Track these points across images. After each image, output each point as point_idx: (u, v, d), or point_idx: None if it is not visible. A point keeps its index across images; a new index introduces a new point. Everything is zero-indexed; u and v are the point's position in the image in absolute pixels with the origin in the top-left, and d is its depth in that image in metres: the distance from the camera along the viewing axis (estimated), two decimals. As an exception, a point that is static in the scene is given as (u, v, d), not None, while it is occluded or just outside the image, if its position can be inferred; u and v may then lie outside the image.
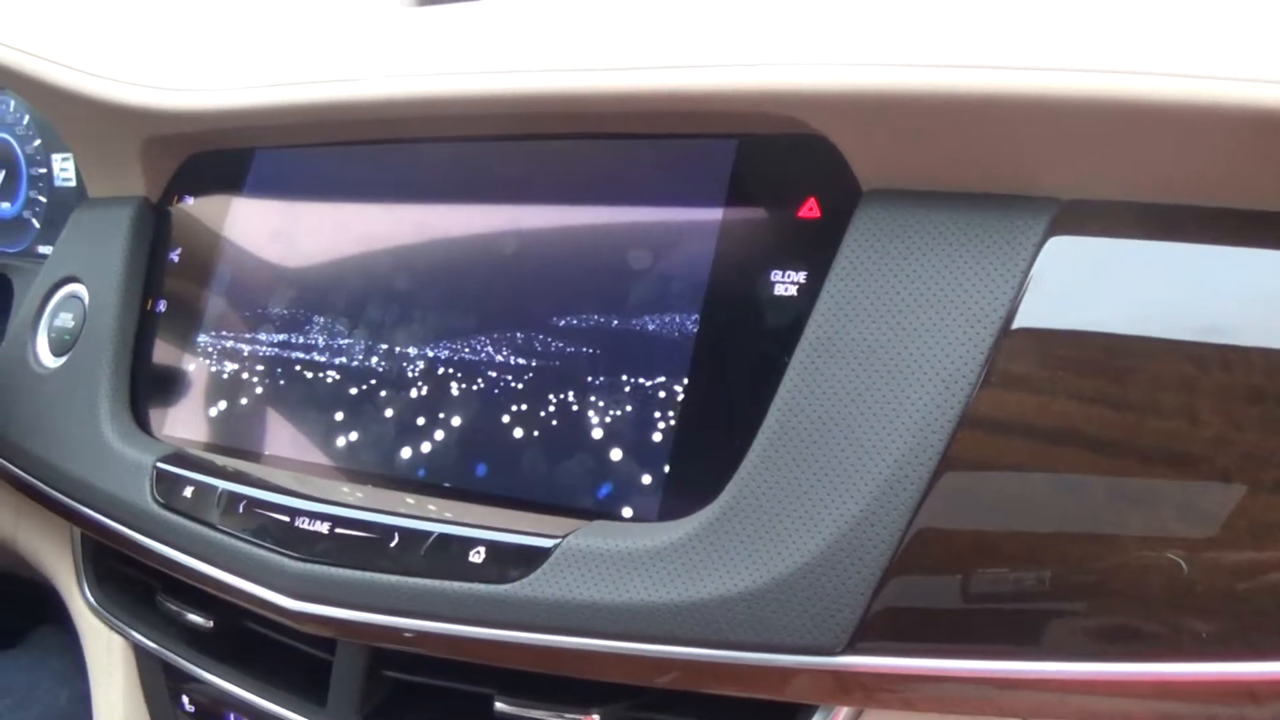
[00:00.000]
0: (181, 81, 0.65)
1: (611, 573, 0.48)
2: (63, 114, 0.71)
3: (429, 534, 0.52)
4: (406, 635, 0.52)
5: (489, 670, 0.54)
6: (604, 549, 0.49)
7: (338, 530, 0.54)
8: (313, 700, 0.58)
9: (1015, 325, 0.44)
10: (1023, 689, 0.44)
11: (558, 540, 0.49)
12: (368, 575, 0.53)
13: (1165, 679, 0.43)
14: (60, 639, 0.85)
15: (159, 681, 0.69)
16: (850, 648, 0.45)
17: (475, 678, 0.55)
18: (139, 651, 0.70)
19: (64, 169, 0.84)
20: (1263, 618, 0.42)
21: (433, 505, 0.54)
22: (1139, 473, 0.43)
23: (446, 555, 0.51)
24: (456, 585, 0.51)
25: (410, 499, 0.55)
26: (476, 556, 0.51)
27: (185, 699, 0.67)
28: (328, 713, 0.57)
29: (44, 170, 0.84)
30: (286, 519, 0.56)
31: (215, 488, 0.59)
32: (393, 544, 0.53)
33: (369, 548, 0.53)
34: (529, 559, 0.49)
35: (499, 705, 0.53)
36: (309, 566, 0.54)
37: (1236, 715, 0.43)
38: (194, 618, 0.63)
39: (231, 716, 0.64)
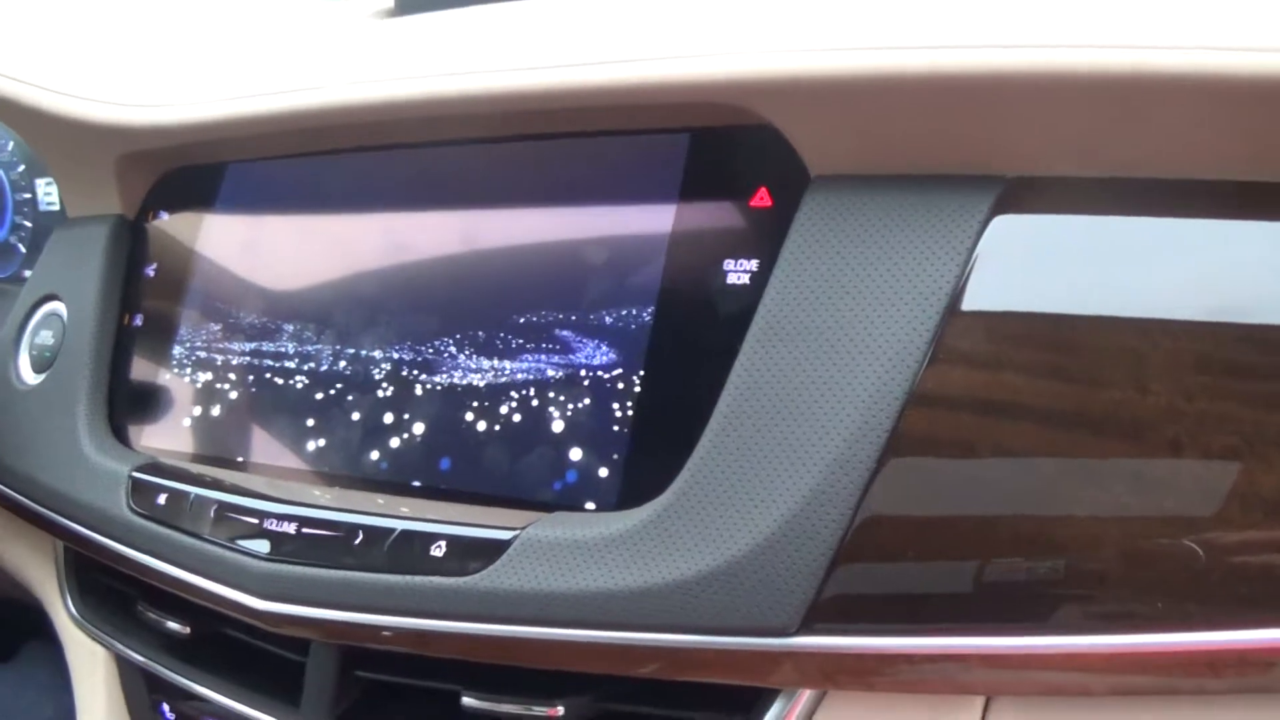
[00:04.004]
0: (153, 97, 0.66)
1: (568, 562, 0.48)
2: (37, 134, 0.72)
3: (392, 530, 0.52)
4: (372, 631, 0.53)
5: (460, 668, 0.54)
6: (561, 539, 0.49)
7: (304, 530, 0.55)
8: (288, 703, 0.59)
9: (961, 303, 0.44)
10: (980, 665, 0.44)
11: (516, 532, 0.49)
12: (334, 573, 0.53)
13: (1122, 651, 0.43)
14: (47, 654, 0.85)
15: (141, 691, 0.69)
16: (805, 628, 0.45)
17: (445, 675, 0.55)
18: (121, 662, 0.71)
19: (48, 194, 0.85)
20: (1219, 588, 0.41)
21: (397, 503, 0.55)
22: (1089, 445, 0.43)
23: (409, 550, 0.52)
24: (419, 580, 0.51)
25: (378, 498, 0.56)
26: (438, 550, 0.51)
27: (165, 707, 0.67)
28: (302, 714, 0.58)
29: (29, 195, 0.86)
30: (255, 521, 0.56)
31: (188, 494, 0.60)
32: (357, 541, 0.53)
33: (334, 546, 0.54)
34: (488, 551, 0.50)
35: (466, 700, 0.53)
36: (277, 567, 0.55)
37: (1196, 686, 0.43)
38: (172, 625, 0.63)
39: (210, 722, 0.64)
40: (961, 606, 0.44)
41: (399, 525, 0.53)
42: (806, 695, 0.49)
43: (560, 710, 0.52)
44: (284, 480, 0.60)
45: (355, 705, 0.58)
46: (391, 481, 0.56)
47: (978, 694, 0.47)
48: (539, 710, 0.52)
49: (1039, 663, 0.44)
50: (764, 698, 0.50)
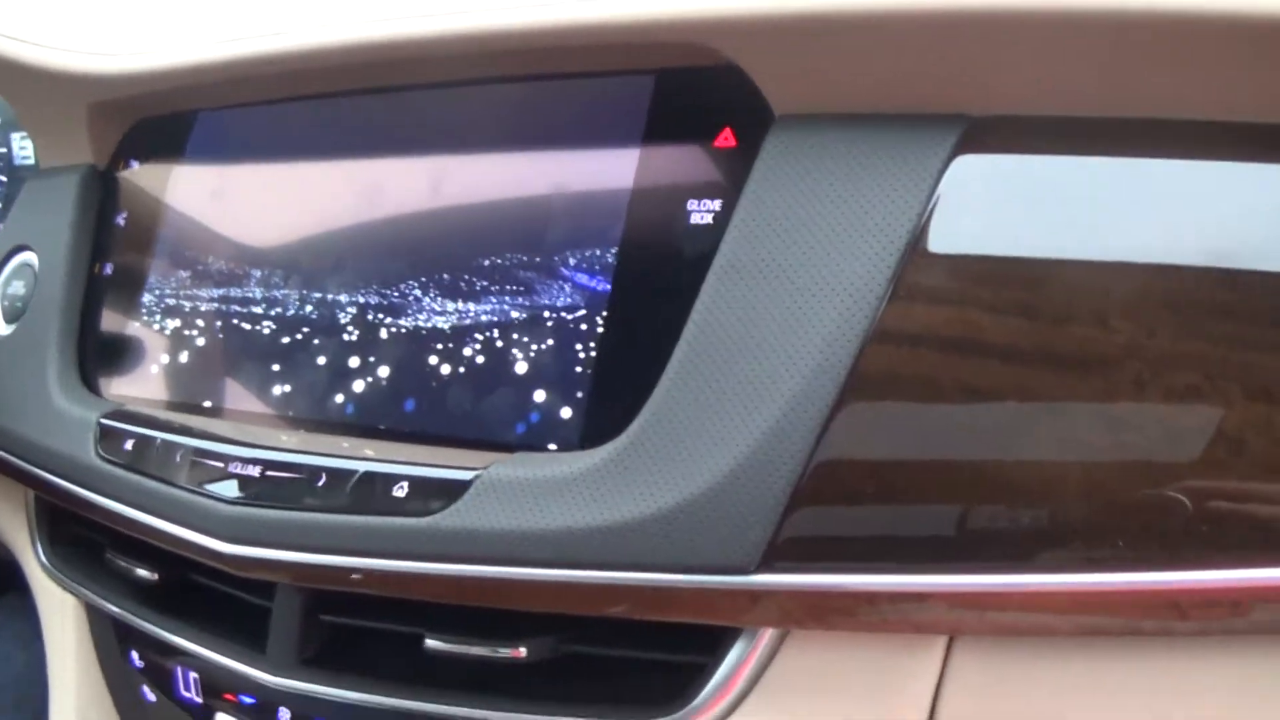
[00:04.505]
0: (123, 46, 0.66)
1: (529, 501, 0.48)
2: (8, 85, 0.72)
3: (355, 472, 0.52)
4: (336, 573, 0.53)
5: (425, 611, 0.54)
6: (522, 478, 0.49)
7: (269, 473, 0.55)
8: (255, 648, 0.59)
9: (923, 241, 0.44)
10: (941, 605, 0.44)
11: (477, 472, 0.49)
12: (298, 515, 0.53)
13: (1085, 590, 0.42)
14: (22, 606, 0.85)
15: (110, 640, 0.69)
16: (764, 567, 0.45)
17: (411, 619, 0.55)
18: (91, 610, 0.71)
19: (23, 147, 0.85)
20: (1183, 528, 0.41)
21: (362, 445, 0.55)
22: (1051, 383, 0.43)
23: (371, 491, 0.52)
24: (381, 520, 0.51)
25: (343, 441, 0.56)
26: (400, 491, 0.51)
27: (134, 654, 0.67)
28: (268, 659, 0.58)
29: (3, 150, 0.85)
30: (220, 465, 0.56)
31: (154, 439, 0.60)
32: (320, 483, 0.53)
33: (298, 488, 0.54)
34: (450, 492, 0.50)
35: (429, 642, 0.53)
36: (242, 510, 0.55)
37: (1162, 629, 0.43)
38: (140, 572, 0.63)
39: (179, 669, 0.64)
40: (922, 545, 0.44)
41: (362, 467, 0.52)
42: (768, 635, 0.49)
43: (523, 652, 0.52)
44: (251, 425, 0.60)
45: (321, 650, 0.58)
46: (357, 424, 0.56)
47: (939, 634, 0.47)
48: (502, 652, 0.52)
49: (1000, 602, 0.44)
50: (726, 638, 0.50)
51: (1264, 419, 0.41)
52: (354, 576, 0.52)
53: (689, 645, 0.50)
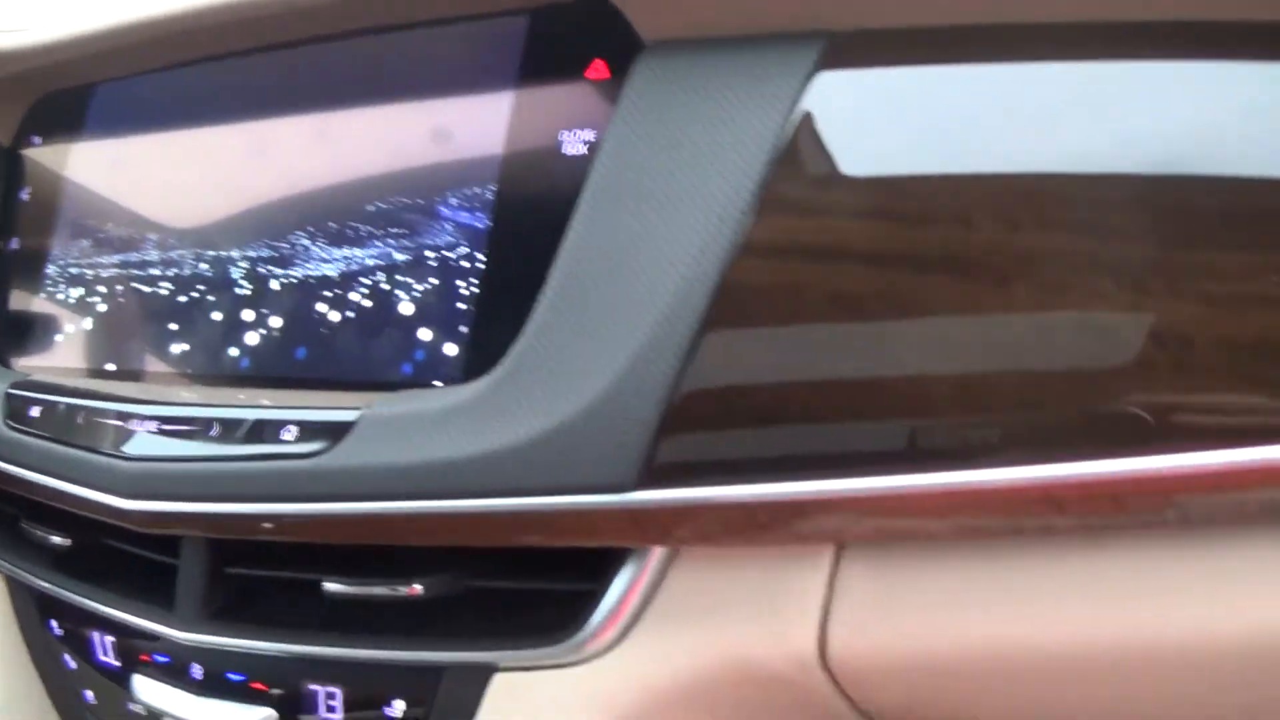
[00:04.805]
0: (15, 22, 0.66)
1: (411, 436, 0.49)
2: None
3: (245, 420, 0.53)
4: (234, 520, 0.53)
5: (329, 559, 0.54)
6: (403, 413, 0.49)
7: (165, 428, 0.55)
8: (165, 607, 0.59)
9: (786, 154, 0.44)
10: (817, 512, 0.44)
11: (362, 411, 0.50)
12: (194, 466, 0.54)
13: (960, 489, 0.42)
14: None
15: (30, 610, 0.70)
16: (643, 484, 0.45)
17: (316, 567, 0.55)
18: (11, 583, 0.71)
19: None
20: (1056, 420, 0.41)
21: (258, 395, 0.55)
22: (917, 284, 0.43)
23: (262, 437, 0.52)
24: (273, 465, 0.51)
25: (239, 393, 0.56)
26: (289, 435, 0.51)
27: (54, 623, 0.68)
28: (177, 616, 0.58)
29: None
30: (120, 423, 0.57)
31: (58, 405, 0.60)
32: (214, 433, 0.53)
33: (194, 441, 0.54)
34: (335, 432, 0.50)
35: (327, 586, 0.53)
36: (141, 466, 0.55)
37: (1043, 526, 0.43)
38: (54, 539, 0.64)
39: (95, 635, 0.64)
40: (798, 454, 0.44)
41: (252, 415, 0.53)
42: (655, 559, 0.49)
43: (419, 589, 0.52)
44: (154, 384, 0.60)
45: (229, 604, 0.58)
46: (252, 375, 0.57)
47: (822, 543, 0.48)
48: (400, 590, 0.52)
49: (878, 506, 0.44)
50: (616, 562, 0.50)
51: (1133, 307, 0.41)
52: (244, 522, 0.53)
53: (582, 574, 0.51)
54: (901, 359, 0.43)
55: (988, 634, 0.47)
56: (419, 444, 0.48)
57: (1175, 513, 0.42)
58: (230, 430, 0.53)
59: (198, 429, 0.54)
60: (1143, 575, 0.45)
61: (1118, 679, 0.48)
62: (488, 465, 0.47)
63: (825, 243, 0.44)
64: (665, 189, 0.46)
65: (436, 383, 0.51)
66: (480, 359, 0.50)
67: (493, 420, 0.47)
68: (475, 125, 0.52)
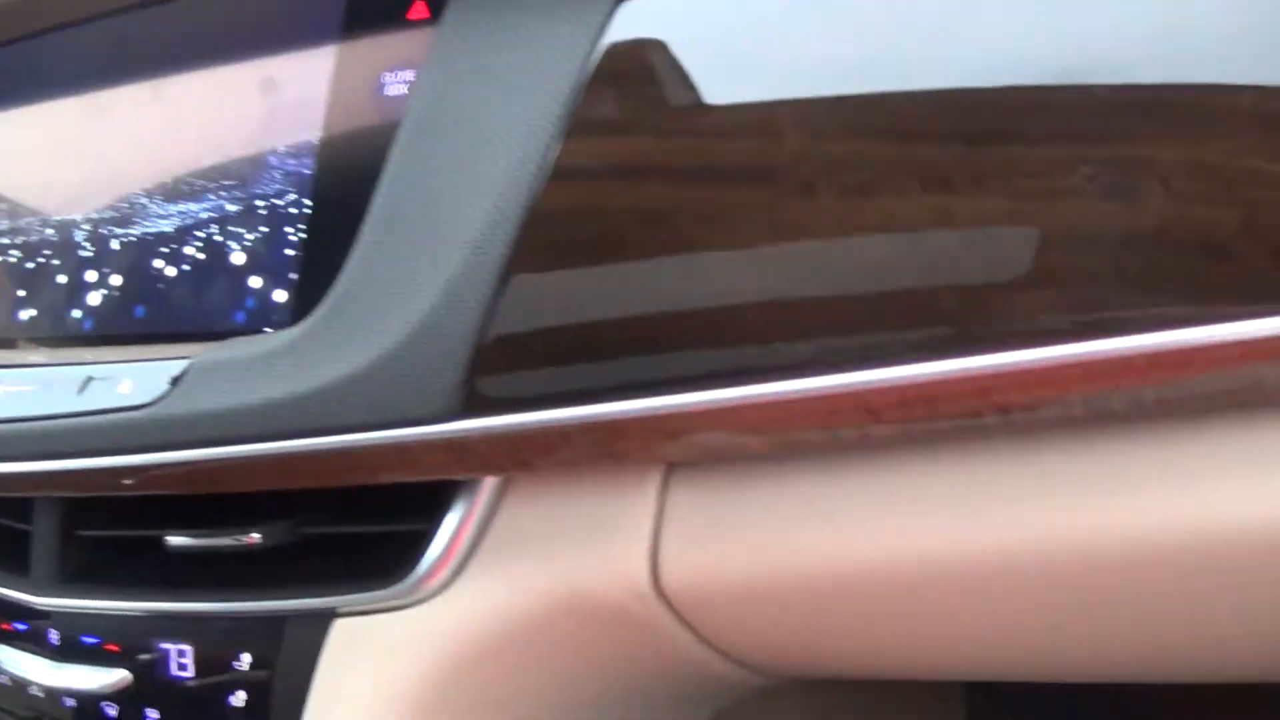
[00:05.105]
0: None
1: (239, 380, 0.49)
2: None
3: (82, 376, 0.53)
4: (79, 476, 0.53)
5: (179, 516, 0.54)
6: (230, 359, 0.49)
7: (8, 388, 0.55)
8: (20, 573, 0.59)
9: (593, 79, 0.44)
10: (633, 433, 0.44)
11: (190, 360, 0.50)
12: (33, 426, 0.53)
13: (774, 400, 0.42)
14: None
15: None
16: (461, 413, 0.45)
17: (164, 525, 0.55)
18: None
19: None
20: (867, 326, 0.41)
21: (101, 353, 0.55)
22: (723, 196, 0.43)
23: (97, 394, 0.52)
24: (108, 418, 0.51)
25: (87, 352, 0.56)
26: (124, 388, 0.51)
27: (-82, 606, 0.67)
28: (31, 581, 0.58)
29: None
30: (-39, 390, 0.56)
31: (-89, 378, 0.60)
32: (52, 390, 0.53)
33: (34, 400, 0.54)
34: (168, 382, 0.50)
35: (170, 540, 0.53)
36: (-13, 428, 0.55)
37: (860, 436, 0.43)
38: None
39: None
40: (613, 376, 0.44)
41: (88, 371, 0.53)
42: (486, 492, 0.49)
43: (257, 537, 0.52)
44: (4, 351, 0.60)
45: (85, 566, 0.58)
46: (97, 335, 0.57)
47: (645, 468, 0.48)
48: (241, 540, 0.52)
49: (692, 423, 0.44)
50: (447, 499, 0.50)
51: (939, 209, 0.41)
52: (105, 479, 0.52)
53: (417, 515, 0.51)
54: (711, 275, 0.43)
55: (821, 552, 0.47)
56: (245, 388, 0.48)
57: (996, 418, 0.41)
58: (68, 386, 0.53)
59: (38, 388, 0.54)
60: (974, 486, 0.45)
61: (956, 592, 0.48)
62: (310, 404, 0.47)
63: (631, 162, 0.44)
64: (477, 120, 0.46)
65: (268, 329, 0.51)
66: (309, 303, 0.50)
67: (314, 359, 0.47)
68: (301, 73, 0.53)
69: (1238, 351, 0.38)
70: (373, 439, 0.47)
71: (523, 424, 0.45)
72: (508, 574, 0.49)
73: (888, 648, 0.53)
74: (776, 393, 0.43)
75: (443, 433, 0.46)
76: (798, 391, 0.42)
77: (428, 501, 0.50)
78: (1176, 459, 0.42)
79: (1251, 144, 0.38)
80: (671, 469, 0.48)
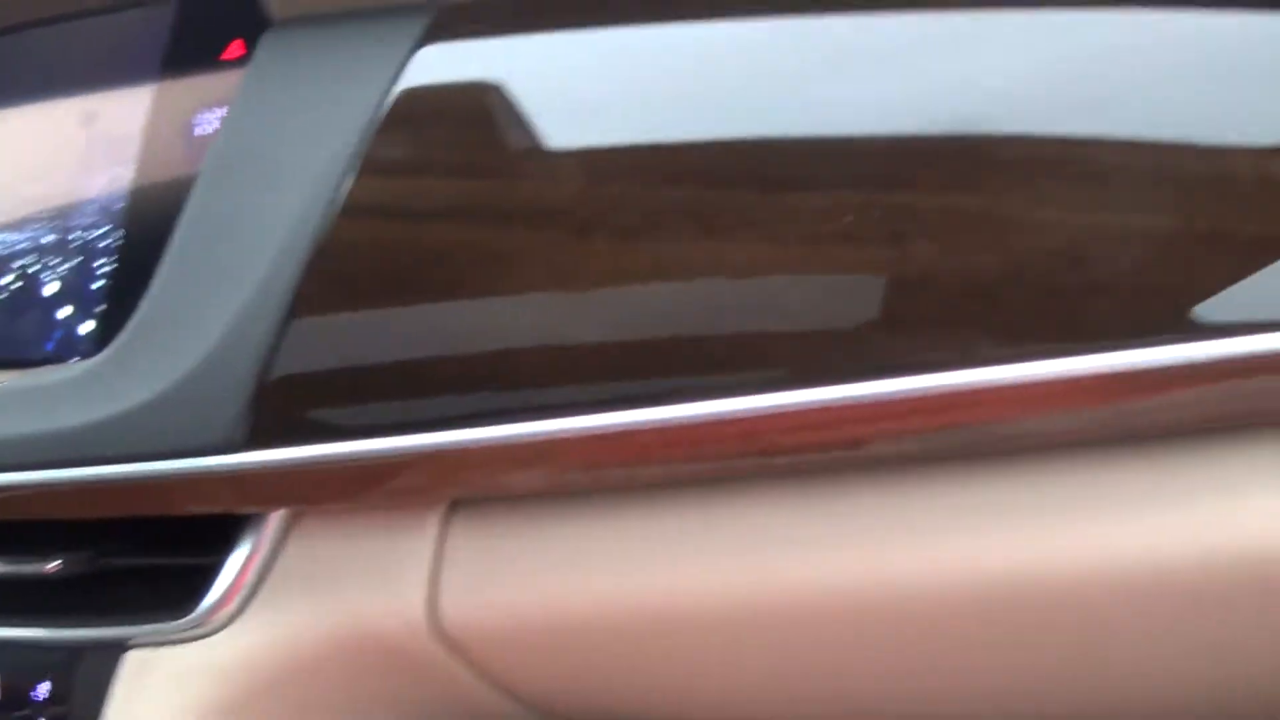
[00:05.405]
0: None
1: (35, 408, 0.49)
2: None
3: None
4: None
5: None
6: (28, 387, 0.50)
7: None
8: None
9: (386, 121, 0.45)
10: (407, 469, 0.45)
11: (-8, 387, 0.50)
12: None
13: (543, 440, 0.43)
14: None
15: None
16: (245, 446, 0.46)
17: None
18: None
19: None
20: (629, 365, 0.43)
21: None
22: (502, 237, 0.45)
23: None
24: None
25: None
26: None
27: None
28: None
29: None
30: None
31: None
32: None
33: None
34: (-32, 409, 0.50)
35: None
36: None
37: (627, 476, 0.45)
38: None
39: None
40: (393, 412, 0.45)
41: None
42: (273, 526, 0.50)
43: (59, 563, 0.52)
44: None
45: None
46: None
47: (426, 505, 0.48)
48: (40, 568, 0.52)
49: (463, 460, 0.45)
50: (237, 532, 0.50)
51: (713, 255, 0.42)
52: None
53: (210, 547, 0.51)
54: (487, 316, 0.44)
55: (597, 593, 0.48)
56: (40, 416, 0.49)
57: (760, 460, 0.43)
58: None
59: None
60: (755, 528, 0.46)
61: (735, 637, 0.48)
62: (101, 432, 0.48)
63: (419, 203, 0.46)
64: (274, 159, 0.47)
65: (74, 357, 0.51)
66: (115, 334, 0.51)
67: (108, 389, 0.48)
68: (120, 110, 0.54)
69: (990, 397, 0.39)
70: (157, 470, 0.47)
71: (300, 459, 0.46)
72: (292, 609, 0.50)
73: (683, 694, 0.53)
74: (546, 432, 0.43)
75: (223, 465, 0.46)
76: (565, 431, 0.43)
77: (220, 534, 0.50)
78: (966, 499, 0.43)
79: (1014, 192, 0.40)
80: (453, 507, 0.48)
